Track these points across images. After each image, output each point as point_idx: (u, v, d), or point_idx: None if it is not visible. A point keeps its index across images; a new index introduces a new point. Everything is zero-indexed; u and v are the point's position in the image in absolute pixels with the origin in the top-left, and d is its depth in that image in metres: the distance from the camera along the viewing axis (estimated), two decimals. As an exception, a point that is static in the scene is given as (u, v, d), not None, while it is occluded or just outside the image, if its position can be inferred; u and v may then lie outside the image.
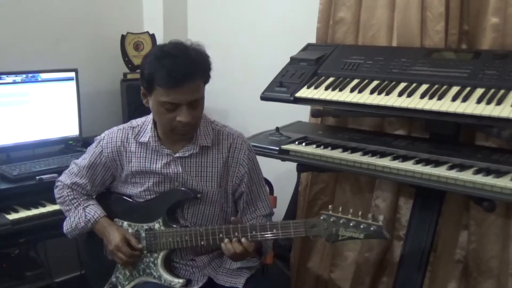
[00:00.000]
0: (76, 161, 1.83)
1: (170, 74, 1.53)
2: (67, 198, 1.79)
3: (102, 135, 1.79)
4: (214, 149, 1.73)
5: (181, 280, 1.70)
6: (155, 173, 1.72)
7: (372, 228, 1.49)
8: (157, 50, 1.62)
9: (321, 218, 1.54)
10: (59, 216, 2.07)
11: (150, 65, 1.58)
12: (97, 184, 1.80)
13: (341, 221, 1.52)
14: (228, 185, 1.76)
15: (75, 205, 1.77)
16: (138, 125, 1.77)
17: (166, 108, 1.59)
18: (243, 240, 1.59)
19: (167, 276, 1.71)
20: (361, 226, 1.49)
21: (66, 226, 1.79)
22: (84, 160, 1.79)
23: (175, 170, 1.71)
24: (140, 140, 1.73)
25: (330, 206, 1.56)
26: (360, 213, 1.52)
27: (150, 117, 1.74)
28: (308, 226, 1.56)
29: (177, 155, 1.71)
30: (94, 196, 1.83)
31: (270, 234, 1.59)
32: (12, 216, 2.02)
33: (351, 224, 1.51)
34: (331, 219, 1.53)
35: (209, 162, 1.73)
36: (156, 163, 1.72)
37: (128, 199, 1.78)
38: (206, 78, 1.64)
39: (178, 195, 1.72)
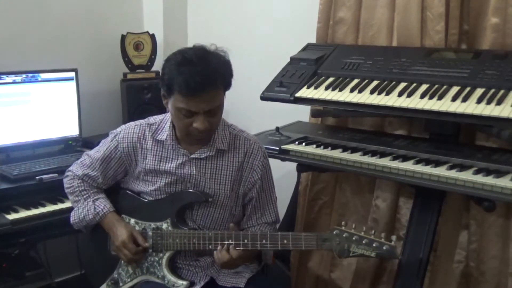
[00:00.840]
0: (89, 152, 1.83)
1: (187, 83, 1.52)
2: (77, 188, 1.78)
3: (118, 129, 1.79)
4: (230, 153, 1.73)
5: (184, 282, 1.69)
6: (168, 173, 1.72)
7: (384, 248, 1.50)
8: (178, 55, 1.60)
9: (334, 233, 1.55)
10: (59, 216, 2.08)
11: (170, 70, 1.58)
12: (108, 178, 1.79)
13: (353, 238, 1.52)
14: (239, 189, 1.76)
15: (84, 196, 1.77)
16: (155, 122, 1.76)
17: (183, 114, 1.59)
18: (230, 249, 1.59)
19: (170, 277, 1.71)
20: (374, 245, 1.51)
21: (74, 217, 1.78)
22: (98, 152, 1.78)
23: (189, 171, 1.71)
24: (157, 138, 1.73)
25: (343, 222, 1.57)
26: (373, 231, 1.53)
27: (168, 115, 1.73)
28: (320, 240, 1.56)
29: (193, 156, 1.71)
30: (104, 189, 1.82)
31: (280, 244, 1.59)
32: (12, 216, 2.02)
33: (363, 242, 1.51)
34: (344, 235, 1.53)
35: (224, 165, 1.73)
36: (171, 162, 1.71)
37: (137, 196, 1.78)
38: (226, 85, 1.63)
39: (189, 197, 1.71)
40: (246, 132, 1.80)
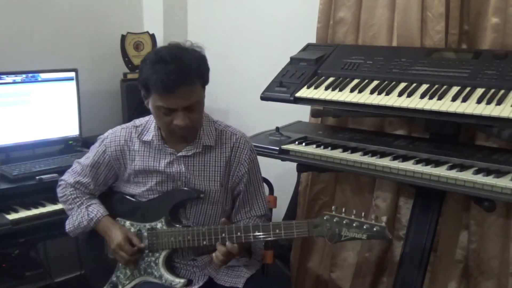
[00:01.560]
0: (79, 160, 1.84)
1: (162, 81, 1.54)
2: (70, 196, 1.79)
3: (106, 134, 1.80)
4: (217, 149, 1.74)
5: (182, 280, 1.70)
6: (158, 172, 1.72)
7: (375, 229, 1.49)
8: (152, 54, 1.62)
9: (324, 218, 1.54)
10: (59, 216, 2.07)
11: (145, 71, 1.59)
12: (100, 183, 1.80)
13: (344, 222, 1.52)
14: (228, 184, 1.77)
15: (77, 204, 1.77)
16: (141, 124, 1.77)
17: (163, 112, 1.60)
18: (227, 243, 1.60)
19: (168, 276, 1.71)
20: (364, 227, 1.50)
21: (69, 225, 1.79)
22: (87, 159, 1.80)
23: (178, 169, 1.71)
24: (143, 139, 1.74)
25: (333, 206, 1.56)
26: (363, 214, 1.53)
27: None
28: (311, 226, 1.56)
29: (180, 154, 1.71)
30: (97, 195, 1.83)
31: (273, 234, 1.59)
32: (12, 216, 2.02)
33: (354, 225, 1.51)
34: (334, 220, 1.53)
35: (211, 161, 1.73)
36: (159, 162, 1.72)
37: (130, 198, 1.79)
38: (203, 81, 1.64)
39: (182, 195, 1.72)
40: (232, 127, 1.80)
